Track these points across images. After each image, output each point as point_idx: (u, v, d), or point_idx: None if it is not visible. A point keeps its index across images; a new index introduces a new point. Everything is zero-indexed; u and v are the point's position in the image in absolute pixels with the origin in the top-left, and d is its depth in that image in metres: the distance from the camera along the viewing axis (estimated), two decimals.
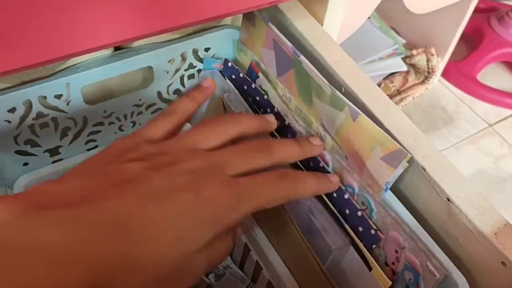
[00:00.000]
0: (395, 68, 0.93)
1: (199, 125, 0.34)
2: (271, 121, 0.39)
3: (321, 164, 0.39)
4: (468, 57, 0.99)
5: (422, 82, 0.93)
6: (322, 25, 0.45)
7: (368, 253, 0.36)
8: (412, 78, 0.94)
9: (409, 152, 0.34)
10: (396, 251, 0.35)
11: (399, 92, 0.92)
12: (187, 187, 0.28)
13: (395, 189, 0.36)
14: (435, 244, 0.33)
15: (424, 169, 0.33)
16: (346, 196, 0.38)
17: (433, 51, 0.92)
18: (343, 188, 0.38)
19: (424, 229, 0.33)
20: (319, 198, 0.40)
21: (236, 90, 0.45)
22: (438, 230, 0.34)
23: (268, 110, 0.43)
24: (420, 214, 0.35)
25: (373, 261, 0.35)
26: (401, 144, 0.34)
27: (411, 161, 0.34)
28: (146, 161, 0.29)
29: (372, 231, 0.36)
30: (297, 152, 0.37)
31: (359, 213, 0.37)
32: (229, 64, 0.47)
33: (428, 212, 0.35)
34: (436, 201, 0.33)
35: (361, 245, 0.36)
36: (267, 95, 0.44)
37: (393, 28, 0.97)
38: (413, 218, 0.34)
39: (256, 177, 0.31)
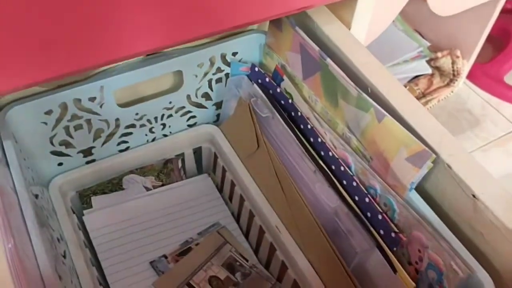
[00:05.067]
0: (419, 71, 0.92)
1: None
2: None
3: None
4: (495, 58, 0.98)
5: (447, 84, 0.92)
6: (349, 29, 0.46)
7: (393, 256, 0.36)
8: (437, 81, 0.93)
9: (435, 150, 0.34)
10: (419, 251, 0.35)
11: (424, 95, 0.91)
12: None
13: (421, 188, 0.37)
14: (459, 243, 0.33)
15: (450, 167, 0.34)
16: (367, 199, 0.38)
17: (458, 53, 0.91)
18: (365, 191, 0.39)
19: (449, 227, 0.34)
20: (344, 201, 0.40)
21: (263, 95, 0.46)
22: (463, 227, 0.35)
23: (293, 113, 0.44)
24: (445, 212, 0.36)
25: (398, 264, 0.36)
26: (427, 143, 0.35)
27: (437, 160, 0.34)
28: None
29: (393, 234, 0.36)
30: None
31: (380, 216, 0.37)
32: (256, 69, 0.48)
33: (453, 209, 0.35)
34: (462, 198, 0.33)
35: (386, 248, 0.37)
36: (292, 98, 0.45)
37: (417, 31, 0.96)
38: (437, 217, 0.34)
39: None
